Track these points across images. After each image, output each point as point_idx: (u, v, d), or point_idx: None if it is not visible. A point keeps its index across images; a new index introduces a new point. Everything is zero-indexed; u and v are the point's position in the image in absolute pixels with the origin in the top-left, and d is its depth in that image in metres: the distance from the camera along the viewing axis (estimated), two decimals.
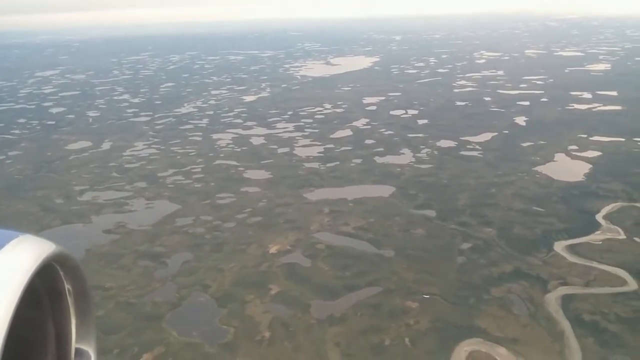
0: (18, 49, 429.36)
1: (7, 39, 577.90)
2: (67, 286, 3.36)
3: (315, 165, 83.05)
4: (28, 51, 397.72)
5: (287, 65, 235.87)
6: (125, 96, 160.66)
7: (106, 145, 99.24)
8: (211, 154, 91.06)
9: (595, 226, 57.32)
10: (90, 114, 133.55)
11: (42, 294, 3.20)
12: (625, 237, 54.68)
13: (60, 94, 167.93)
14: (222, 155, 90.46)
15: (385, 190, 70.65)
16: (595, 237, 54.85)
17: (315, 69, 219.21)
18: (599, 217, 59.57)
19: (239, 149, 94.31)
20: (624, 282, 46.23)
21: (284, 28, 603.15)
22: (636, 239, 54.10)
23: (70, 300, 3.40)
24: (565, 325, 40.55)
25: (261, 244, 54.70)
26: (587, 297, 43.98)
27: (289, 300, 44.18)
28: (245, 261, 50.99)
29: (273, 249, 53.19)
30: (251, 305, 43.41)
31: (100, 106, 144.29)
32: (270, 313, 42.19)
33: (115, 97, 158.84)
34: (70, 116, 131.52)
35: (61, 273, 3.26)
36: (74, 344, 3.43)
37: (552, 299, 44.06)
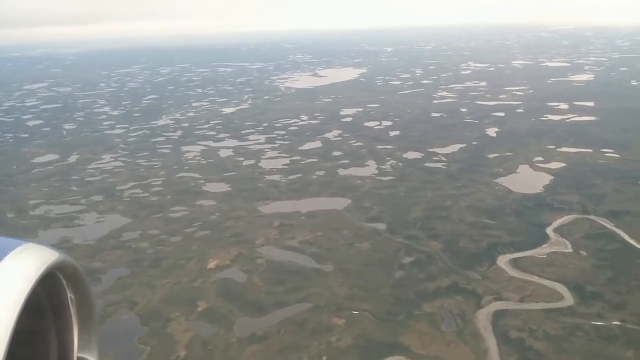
0: (13, 62, 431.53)
1: (4, 52, 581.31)
2: (70, 295, 3.31)
3: (276, 177, 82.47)
4: (22, 64, 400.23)
5: (273, 77, 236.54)
6: (106, 109, 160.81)
7: (73, 159, 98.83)
8: (175, 167, 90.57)
9: (543, 239, 56.49)
10: (67, 126, 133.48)
11: (44, 303, 3.18)
12: (571, 250, 53.81)
13: (41, 107, 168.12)
14: (186, 167, 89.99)
15: (340, 203, 69.94)
16: (541, 251, 54.00)
17: (301, 81, 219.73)
18: (549, 230, 58.75)
19: (204, 162, 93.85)
20: (560, 298, 45.32)
21: (281, 40, 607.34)
22: (582, 252, 53.24)
23: (72, 309, 3.35)
24: (491, 342, 39.62)
25: (202, 258, 53.91)
26: (519, 313, 43.05)
27: (215, 317, 43.31)
28: (180, 277, 50.18)
29: (212, 264, 52.40)
30: (174, 323, 42.51)
31: (78, 119, 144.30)
32: (192, 331, 41.30)
33: (96, 110, 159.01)
34: (45, 129, 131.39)
35: (64, 282, 3.23)
36: (76, 353, 3.39)
37: (484, 315, 43.17)
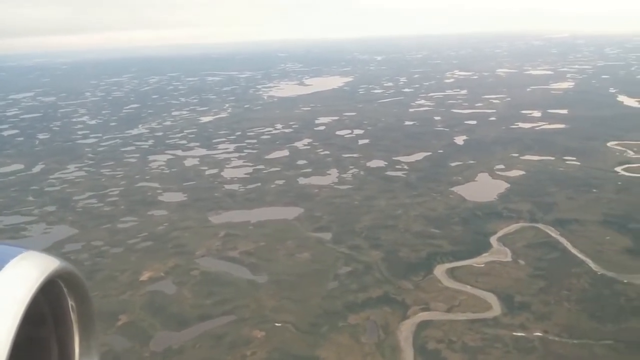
0: (7, 71, 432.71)
1: (1, 62, 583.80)
2: (71, 302, 3.33)
3: (235, 187, 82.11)
4: (15, 74, 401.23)
5: (259, 86, 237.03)
6: (84, 118, 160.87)
7: (37, 169, 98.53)
8: (137, 176, 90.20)
9: (485, 248, 56.00)
10: (40, 136, 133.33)
11: (45, 310, 3.21)
12: (510, 259, 53.34)
13: (21, 117, 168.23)
14: (147, 177, 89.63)
15: (292, 212, 69.52)
16: (480, 260, 53.50)
17: (285, 90, 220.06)
18: (493, 239, 58.27)
19: (167, 171, 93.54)
20: (488, 308, 44.78)
21: (276, 49, 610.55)
22: (520, 261, 52.75)
23: (73, 316, 3.36)
24: (408, 354, 39.06)
25: (137, 270, 53.37)
26: (443, 324, 42.49)
27: (134, 331, 42.71)
28: (110, 289, 49.58)
29: (145, 276, 51.86)
30: None
31: (54, 128, 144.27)
32: (106, 346, 40.61)
33: (74, 119, 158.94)
34: (19, 139, 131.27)
35: (65, 289, 3.25)
36: None
37: (408, 326, 42.61)
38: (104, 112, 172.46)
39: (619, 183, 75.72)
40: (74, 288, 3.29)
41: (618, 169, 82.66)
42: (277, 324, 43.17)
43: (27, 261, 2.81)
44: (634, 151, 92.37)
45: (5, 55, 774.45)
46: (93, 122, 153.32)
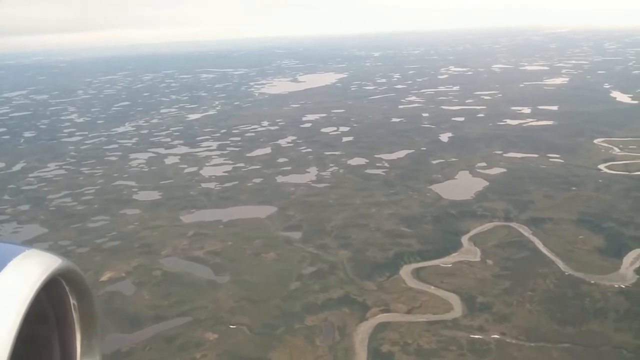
0: (4, 69, 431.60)
1: (0, 60, 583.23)
2: (73, 301, 3.30)
3: (211, 185, 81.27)
4: (12, 72, 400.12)
5: (252, 83, 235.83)
6: (73, 116, 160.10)
7: (18, 167, 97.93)
8: (116, 175, 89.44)
9: (454, 248, 55.05)
10: (27, 134, 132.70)
11: (47, 309, 3.20)
12: (479, 259, 52.39)
13: (10, 115, 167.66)
14: (125, 175, 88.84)
15: (265, 211, 68.63)
16: (448, 260, 52.56)
17: (278, 87, 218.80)
18: (464, 238, 57.30)
19: (147, 169, 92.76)
20: (449, 309, 43.88)
21: (274, 46, 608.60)
22: (489, 261, 51.80)
23: (75, 315, 3.34)
24: (361, 357, 38.21)
25: (99, 270, 52.55)
26: (400, 326, 41.62)
27: None
28: None
29: (105, 277, 51.09)
30: None
31: (41, 126, 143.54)
32: None
33: (62, 117, 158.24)
34: (4, 137, 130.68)
35: (67, 288, 3.23)
36: (79, 359, 3.37)
37: (365, 328, 41.76)
38: (93, 109, 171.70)
39: (600, 181, 74.51)
40: (76, 286, 3.24)
41: (601, 166, 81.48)
42: (231, 326, 42.36)
43: (30, 260, 2.78)
44: (619, 148, 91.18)
45: (4, 54, 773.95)
46: (81, 120, 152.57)
